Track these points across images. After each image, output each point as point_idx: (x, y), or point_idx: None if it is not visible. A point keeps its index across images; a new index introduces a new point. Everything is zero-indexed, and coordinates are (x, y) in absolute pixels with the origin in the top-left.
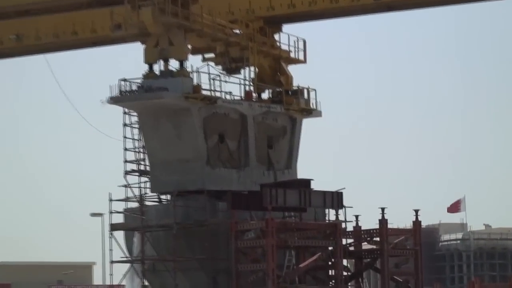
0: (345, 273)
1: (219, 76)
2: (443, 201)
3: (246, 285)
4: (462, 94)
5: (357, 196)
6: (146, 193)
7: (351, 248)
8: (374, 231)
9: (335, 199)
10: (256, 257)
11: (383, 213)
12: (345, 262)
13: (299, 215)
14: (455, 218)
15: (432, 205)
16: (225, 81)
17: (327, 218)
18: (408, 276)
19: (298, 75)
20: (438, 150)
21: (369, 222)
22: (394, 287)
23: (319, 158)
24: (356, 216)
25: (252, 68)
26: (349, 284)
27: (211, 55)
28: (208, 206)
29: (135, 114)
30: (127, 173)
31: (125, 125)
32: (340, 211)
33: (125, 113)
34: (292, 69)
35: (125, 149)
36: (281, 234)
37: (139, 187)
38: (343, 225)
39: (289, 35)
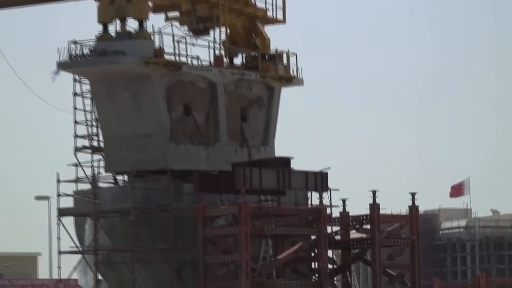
0: (330, 266)
1: (185, 38)
2: (444, 183)
3: (215, 279)
4: (465, 63)
5: (345, 177)
6: (99, 173)
7: (338, 237)
8: (364, 217)
9: (319, 181)
10: (227, 247)
11: (374, 197)
12: (330, 253)
13: (277, 199)
14: (457, 203)
15: (431, 188)
16: (192, 44)
17: (309, 203)
18: (403, 269)
19: (276, 37)
20: (438, 125)
21: (358, 207)
22: (387, 281)
23: (300, 133)
24: (343, 200)
25: (223, 29)
26: (335, 278)
27: (176, 13)
28: (171, 189)
29: (87, 81)
30: (77, 149)
31: (75, 94)
32: (325, 194)
33: (75, 80)
34: (269, 30)
35: (76, 122)
36: (256, 220)
37: (92, 166)
38: (328, 210)
39: None
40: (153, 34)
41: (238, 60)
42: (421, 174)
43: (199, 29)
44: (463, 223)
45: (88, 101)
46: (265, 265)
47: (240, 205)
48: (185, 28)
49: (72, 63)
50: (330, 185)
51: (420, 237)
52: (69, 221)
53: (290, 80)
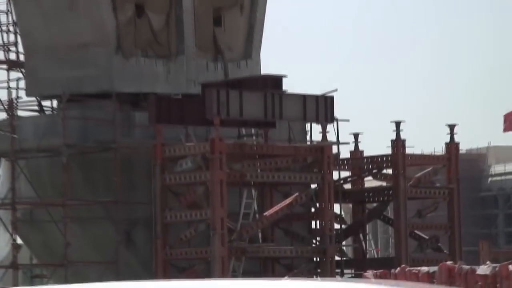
0: (337, 226)
1: None
2: (493, 112)
3: (178, 244)
4: None
5: (357, 103)
6: (19, 98)
7: (347, 186)
8: (385, 158)
9: (322, 108)
10: (195, 200)
11: (398, 130)
12: (337, 208)
13: (264, 134)
14: None
15: (477, 119)
16: None
17: (308, 138)
18: (438, 230)
19: None
20: (483, 33)
21: (376, 145)
22: (416, 247)
23: (296, 42)
24: (355, 135)
25: None
26: (344, 243)
27: None
28: (118, 119)
29: None
30: None
31: None
32: (330, 127)
33: None
34: None
35: None
36: (235, 163)
37: (8, 88)
38: (335, 149)
39: None
40: None
41: None
42: (462, 99)
43: None
44: None
45: None
46: (248, 224)
47: (212, 141)
48: None
49: None
50: (337, 114)
51: (462, 186)
52: None
53: None
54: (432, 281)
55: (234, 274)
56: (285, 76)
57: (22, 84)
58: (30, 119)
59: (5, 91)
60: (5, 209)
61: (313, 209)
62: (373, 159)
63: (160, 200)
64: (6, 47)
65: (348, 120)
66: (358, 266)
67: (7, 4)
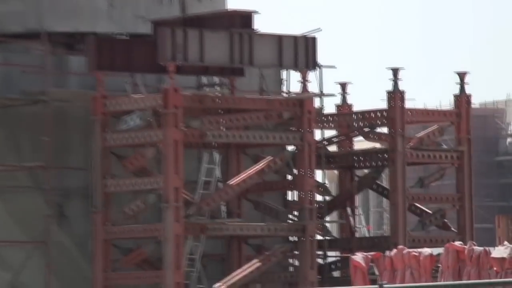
0: (319, 197)
1: None
2: None
3: (121, 220)
4: None
5: (345, 46)
6: None
7: (333, 149)
8: (379, 114)
9: (302, 52)
10: (143, 165)
11: (396, 79)
12: (319, 175)
13: (231, 83)
14: None
15: (492, 65)
16: None
17: (285, 89)
18: (445, 203)
19: None
20: None
21: (369, 98)
22: (417, 223)
23: None
24: (343, 85)
25: None
26: (327, 218)
27: None
28: (49, 64)
29: None
30: None
31: None
32: (312, 75)
33: None
34: None
35: None
36: (194, 119)
37: None
38: (317, 102)
39: None
40: None
41: None
42: (474, 41)
43: None
44: None
45: None
46: (209, 195)
47: (166, 93)
48: None
49: None
50: (320, 59)
51: (474, 148)
52: None
53: None
54: (437, 265)
55: (192, 257)
56: (256, 12)
57: None
58: None
59: None
60: None
61: (289, 177)
62: (365, 114)
63: (100, 165)
64: None
65: (334, 67)
66: (345, 247)
67: None
